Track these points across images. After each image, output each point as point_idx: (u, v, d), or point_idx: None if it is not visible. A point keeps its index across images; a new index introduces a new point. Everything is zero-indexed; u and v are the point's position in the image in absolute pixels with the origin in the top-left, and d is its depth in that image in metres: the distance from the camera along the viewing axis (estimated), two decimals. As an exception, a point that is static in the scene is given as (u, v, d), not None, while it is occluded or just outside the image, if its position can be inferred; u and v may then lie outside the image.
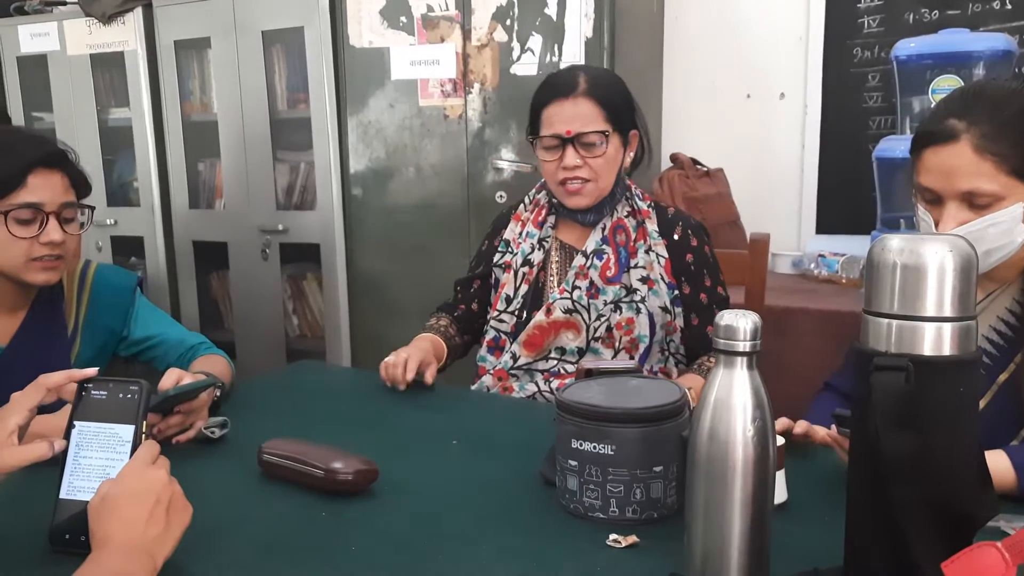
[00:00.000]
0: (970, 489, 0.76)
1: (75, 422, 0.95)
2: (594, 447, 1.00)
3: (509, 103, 2.59)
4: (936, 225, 1.16)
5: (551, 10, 2.49)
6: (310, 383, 1.70)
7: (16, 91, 3.44)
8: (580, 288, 1.61)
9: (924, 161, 1.16)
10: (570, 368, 1.60)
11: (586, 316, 1.60)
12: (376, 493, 1.09)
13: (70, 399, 0.97)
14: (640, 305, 1.59)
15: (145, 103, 3.16)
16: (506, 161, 2.63)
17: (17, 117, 3.41)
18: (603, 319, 1.59)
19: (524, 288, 1.65)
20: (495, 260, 1.72)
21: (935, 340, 0.75)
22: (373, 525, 1.01)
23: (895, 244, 0.76)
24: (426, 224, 2.77)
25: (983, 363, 1.16)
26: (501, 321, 1.66)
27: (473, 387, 1.69)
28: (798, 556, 0.88)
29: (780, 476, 1.03)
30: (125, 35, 3.14)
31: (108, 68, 3.28)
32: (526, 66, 2.55)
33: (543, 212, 1.69)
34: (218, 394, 1.39)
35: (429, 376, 1.55)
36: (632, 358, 1.57)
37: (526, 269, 1.66)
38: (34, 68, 3.37)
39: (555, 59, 2.51)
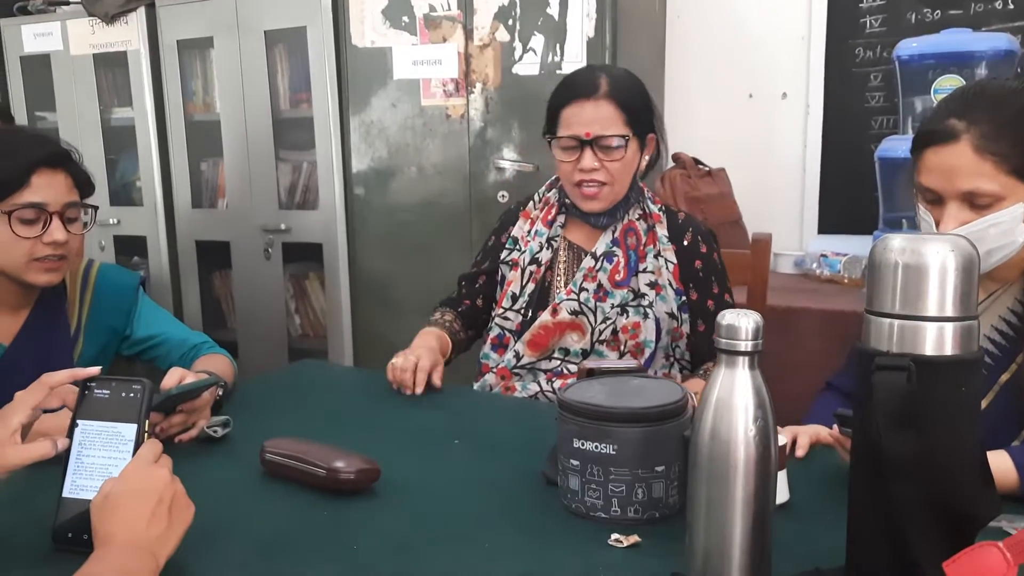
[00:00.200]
0: (972, 489, 0.76)
1: (78, 421, 0.96)
2: (596, 447, 1.00)
3: (511, 103, 2.59)
4: (937, 225, 1.16)
5: (553, 10, 2.49)
6: (312, 382, 1.70)
7: (19, 91, 3.44)
8: (587, 290, 1.60)
9: (925, 161, 1.16)
10: (573, 369, 1.60)
11: (592, 318, 1.59)
12: (378, 492, 1.09)
13: (71, 407, 0.97)
14: (647, 310, 1.58)
15: (148, 103, 3.16)
16: (508, 161, 2.63)
17: (20, 117, 3.41)
18: (609, 322, 1.59)
19: (531, 287, 1.64)
20: (502, 257, 1.71)
21: (937, 340, 0.75)
22: (375, 524, 1.01)
23: (897, 244, 0.76)
24: (428, 224, 2.77)
25: (985, 363, 1.15)
26: (506, 319, 1.65)
27: (475, 385, 1.69)
28: (800, 556, 0.88)
29: (782, 476, 1.03)
30: (128, 35, 3.15)
31: (111, 68, 3.28)
32: (528, 66, 2.55)
33: (553, 211, 1.67)
34: (220, 393, 1.39)
35: (437, 378, 1.53)
36: (643, 367, 1.56)
37: (533, 267, 1.65)
38: (37, 68, 3.37)
39: (557, 59, 2.51)
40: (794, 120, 2.91)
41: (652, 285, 1.60)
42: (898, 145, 2.34)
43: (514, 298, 1.65)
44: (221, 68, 3.04)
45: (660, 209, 1.67)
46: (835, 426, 1.12)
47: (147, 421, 0.95)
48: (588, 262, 1.62)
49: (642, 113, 1.58)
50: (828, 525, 0.89)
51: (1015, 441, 1.14)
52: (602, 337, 1.59)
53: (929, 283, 0.74)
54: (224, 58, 3.01)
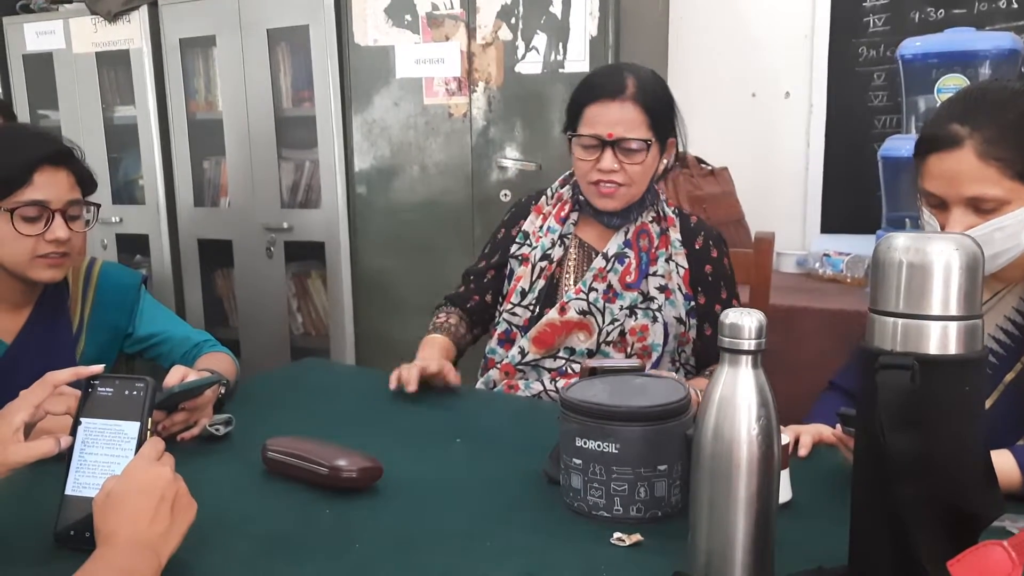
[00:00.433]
0: (975, 488, 0.76)
1: (81, 419, 0.96)
2: (598, 445, 1.00)
3: (513, 102, 2.59)
4: (942, 230, 1.16)
5: (556, 9, 2.49)
6: (314, 381, 1.70)
7: (22, 89, 3.45)
8: (597, 290, 1.59)
9: (928, 167, 1.16)
10: (578, 368, 1.60)
11: (600, 319, 1.59)
12: (380, 491, 1.09)
13: (73, 413, 0.97)
14: (657, 314, 1.58)
15: (150, 101, 3.17)
16: (510, 160, 2.63)
17: (23, 115, 3.41)
18: (617, 324, 1.58)
19: (540, 283, 1.63)
20: (512, 251, 1.69)
21: (941, 339, 0.74)
22: (377, 522, 1.01)
23: (901, 242, 0.76)
24: (430, 222, 2.77)
25: (989, 363, 1.15)
26: (514, 314, 1.64)
27: (479, 380, 1.68)
28: (802, 555, 0.88)
29: (784, 475, 1.03)
30: (131, 33, 3.15)
31: (114, 66, 3.29)
32: (531, 65, 2.55)
33: (567, 208, 1.66)
34: (222, 391, 1.39)
35: (453, 378, 1.52)
36: (645, 365, 1.55)
37: (544, 264, 1.63)
38: (40, 66, 3.37)
39: (559, 58, 2.51)
40: (797, 119, 2.90)
41: (662, 289, 1.59)
42: (901, 144, 2.33)
43: (523, 294, 1.64)
44: (223, 66, 3.04)
45: (674, 212, 1.66)
46: (838, 425, 1.12)
47: (150, 419, 0.95)
48: (599, 262, 1.61)
49: (665, 117, 1.56)
50: (831, 524, 0.89)
51: (1019, 441, 1.13)
52: (609, 338, 1.59)
53: (933, 282, 0.74)
54: (226, 56, 3.01)
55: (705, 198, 2.66)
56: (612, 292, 1.59)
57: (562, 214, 1.66)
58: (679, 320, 1.60)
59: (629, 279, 1.59)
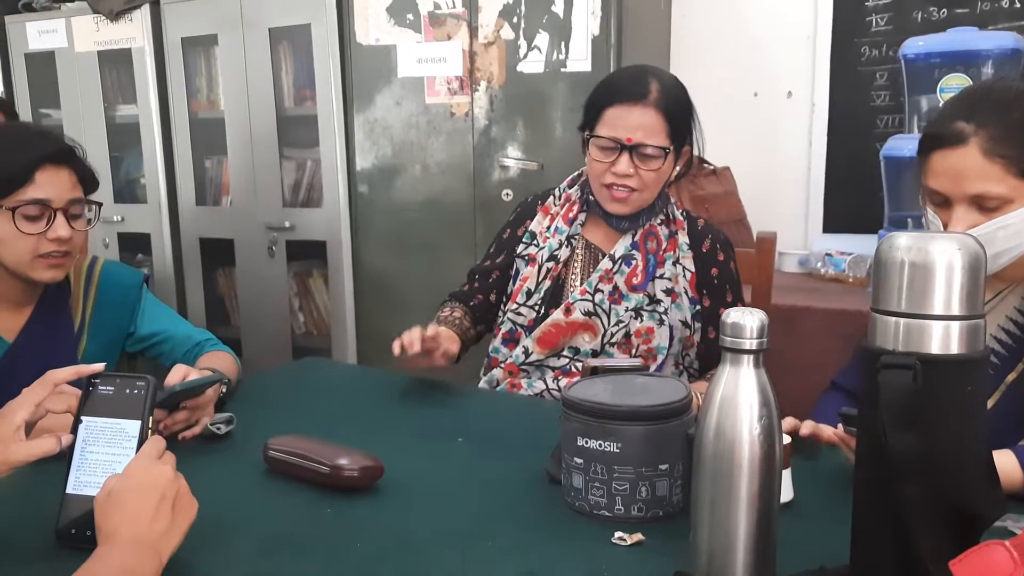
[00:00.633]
0: (977, 488, 0.75)
1: (82, 417, 0.96)
2: (600, 445, 1.00)
3: (516, 101, 2.59)
4: (945, 228, 1.15)
5: (558, 8, 2.48)
6: (316, 380, 1.70)
7: (24, 88, 3.45)
8: (603, 292, 1.58)
9: (932, 164, 1.16)
10: (581, 367, 1.59)
11: (605, 320, 1.58)
12: (381, 490, 1.09)
13: (74, 411, 0.97)
14: (663, 316, 1.57)
15: (152, 100, 3.17)
16: (512, 159, 2.62)
17: (25, 114, 3.42)
18: (622, 325, 1.58)
19: (547, 284, 1.62)
20: (518, 251, 1.68)
21: (943, 338, 0.74)
22: (378, 522, 1.01)
23: (903, 242, 0.75)
24: (432, 222, 2.77)
25: (991, 363, 1.15)
26: (519, 314, 1.64)
27: (482, 378, 1.68)
28: (804, 555, 0.88)
29: (786, 475, 1.03)
30: (132, 32, 3.15)
31: (115, 65, 3.29)
32: (533, 64, 2.54)
33: (575, 208, 1.65)
34: (224, 390, 1.39)
35: (443, 354, 1.49)
36: (648, 365, 1.54)
37: (551, 264, 1.63)
38: (42, 65, 3.38)
39: (562, 57, 2.50)
40: (799, 119, 2.90)
41: (668, 292, 1.59)
42: (904, 144, 2.33)
43: (529, 294, 1.63)
44: (225, 65, 3.04)
45: (682, 214, 1.66)
46: (840, 425, 1.12)
47: (151, 418, 0.96)
48: (606, 263, 1.60)
49: (684, 124, 1.55)
50: (832, 524, 0.89)
51: (1021, 441, 1.13)
52: (614, 339, 1.58)
53: (935, 282, 0.74)
54: (228, 55, 3.01)
55: (707, 198, 2.65)
56: (618, 294, 1.58)
57: (570, 215, 1.65)
58: (684, 324, 1.59)
59: (636, 281, 1.58)
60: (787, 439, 1.03)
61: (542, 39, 2.52)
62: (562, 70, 2.51)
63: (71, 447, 0.95)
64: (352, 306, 2.97)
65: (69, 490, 0.94)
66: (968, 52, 2.26)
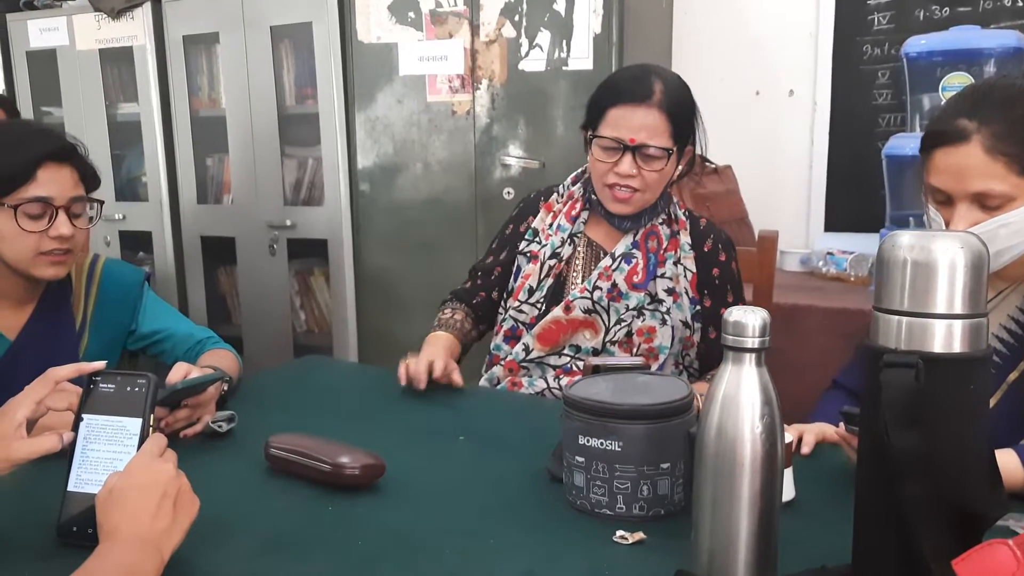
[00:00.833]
0: (979, 487, 0.75)
1: (83, 415, 0.96)
2: (601, 443, 1.00)
3: (517, 99, 2.58)
4: (947, 226, 1.15)
5: (559, 6, 2.48)
6: (317, 378, 1.70)
7: (25, 86, 3.45)
8: (601, 289, 1.58)
9: (934, 162, 1.15)
10: (582, 366, 1.59)
11: (605, 318, 1.58)
12: (382, 488, 1.09)
13: (75, 409, 0.97)
14: (666, 316, 1.57)
15: (154, 98, 3.17)
16: (514, 157, 2.62)
17: (26, 112, 3.42)
18: (624, 324, 1.57)
19: (549, 281, 1.62)
20: (520, 247, 1.68)
21: (945, 337, 0.74)
22: (379, 520, 1.01)
23: (906, 240, 0.75)
24: (433, 220, 2.77)
25: (993, 362, 1.15)
26: (521, 311, 1.63)
27: (483, 376, 1.68)
28: (806, 554, 0.88)
29: (788, 473, 1.03)
30: (134, 30, 3.15)
31: (117, 63, 3.29)
32: (534, 62, 2.54)
33: (578, 206, 1.65)
34: (225, 388, 1.39)
35: (457, 377, 1.52)
36: (649, 366, 1.54)
37: (553, 262, 1.63)
38: (43, 63, 3.38)
39: (563, 55, 2.50)
40: (801, 117, 2.90)
41: (670, 292, 1.59)
42: (906, 143, 2.33)
43: (531, 291, 1.63)
44: (227, 64, 3.04)
45: (685, 214, 1.65)
46: (841, 424, 1.12)
47: (152, 415, 0.95)
48: (606, 261, 1.60)
49: (687, 125, 1.55)
50: (834, 523, 0.89)
51: (1023, 440, 1.13)
52: (615, 338, 1.58)
53: (938, 280, 0.74)
54: (230, 54, 3.01)
55: (709, 196, 2.65)
56: (617, 291, 1.58)
57: (573, 212, 1.65)
58: (684, 323, 1.59)
59: (636, 279, 1.58)
60: (789, 438, 1.03)
61: (544, 37, 2.52)
62: (564, 68, 2.51)
63: (72, 445, 0.95)
64: (353, 304, 2.97)
65: (70, 488, 0.94)
66: (970, 51, 2.26)
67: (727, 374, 0.81)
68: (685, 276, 1.61)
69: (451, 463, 1.20)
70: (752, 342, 0.79)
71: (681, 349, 1.61)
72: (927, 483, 0.72)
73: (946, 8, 2.64)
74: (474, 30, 2.60)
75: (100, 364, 0.99)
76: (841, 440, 1.14)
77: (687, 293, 1.60)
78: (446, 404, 1.47)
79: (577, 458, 1.02)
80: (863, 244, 2.63)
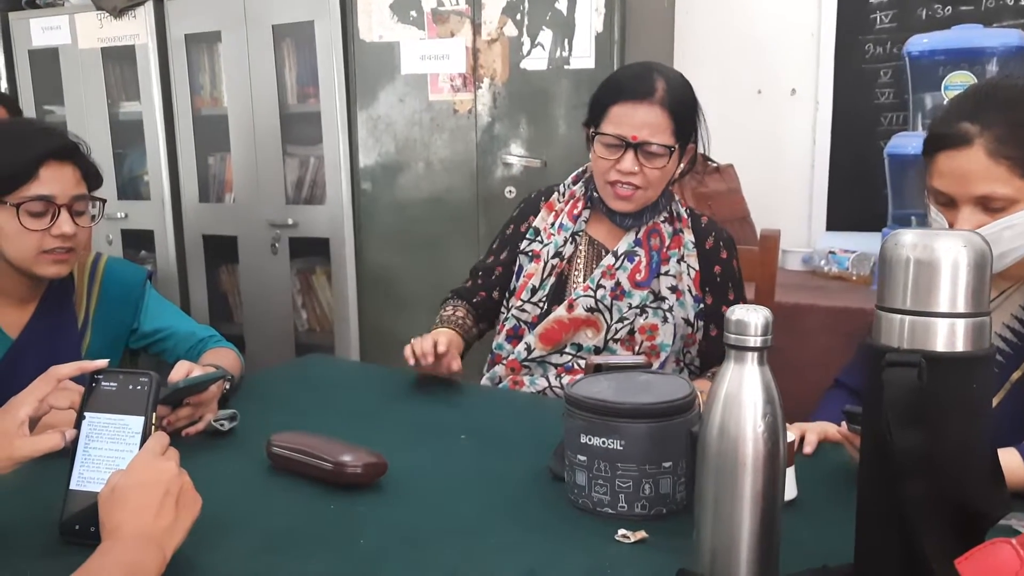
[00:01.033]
0: (982, 487, 0.75)
1: (85, 413, 0.96)
2: (603, 442, 1.00)
3: (519, 98, 2.58)
4: (950, 227, 1.15)
5: (561, 5, 2.48)
6: (319, 376, 1.70)
7: (27, 84, 3.45)
8: (605, 288, 1.58)
9: (937, 165, 1.15)
10: (584, 364, 1.59)
11: (608, 316, 1.58)
12: (384, 486, 1.09)
13: (77, 408, 0.97)
14: (668, 314, 1.57)
15: (156, 97, 3.17)
16: (515, 156, 2.62)
17: (28, 110, 3.42)
18: (626, 322, 1.57)
19: (551, 281, 1.62)
20: (522, 247, 1.68)
21: (948, 336, 0.74)
22: (381, 518, 1.01)
23: (908, 239, 0.75)
24: (435, 219, 2.77)
25: (996, 361, 1.14)
26: (523, 311, 1.63)
27: (484, 375, 1.68)
28: (807, 553, 0.87)
29: (790, 472, 1.02)
30: (136, 29, 3.15)
31: (119, 62, 3.29)
32: (536, 61, 2.54)
33: (579, 205, 1.65)
34: (227, 387, 1.39)
35: (457, 365, 1.51)
36: (651, 364, 1.54)
37: (555, 261, 1.63)
38: (45, 61, 3.38)
39: (565, 54, 2.50)
40: (803, 116, 2.89)
41: (673, 289, 1.59)
42: (908, 142, 2.33)
43: (533, 291, 1.63)
44: (229, 62, 3.04)
45: (687, 212, 1.65)
46: (843, 423, 1.12)
47: (154, 414, 0.95)
48: (608, 260, 1.60)
49: (689, 122, 1.55)
50: (836, 522, 0.89)
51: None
52: (617, 336, 1.58)
53: (941, 279, 0.74)
54: (232, 52, 3.02)
55: (710, 195, 2.65)
56: (620, 290, 1.58)
57: (575, 211, 1.65)
58: (687, 321, 1.59)
59: (639, 277, 1.58)
60: (791, 437, 1.03)
61: (545, 36, 2.51)
62: (565, 67, 2.51)
63: (74, 443, 0.95)
64: (355, 303, 2.97)
65: (73, 486, 0.94)
66: (973, 49, 2.25)
67: (729, 373, 0.81)
68: (688, 274, 1.60)
69: (453, 462, 1.20)
70: (755, 341, 0.79)
71: (682, 347, 1.61)
72: (929, 482, 0.72)
73: (948, 7, 2.64)
74: (476, 29, 2.60)
75: (102, 362, 0.99)
76: (843, 439, 1.14)
77: (690, 291, 1.60)
78: (448, 403, 1.47)
79: (579, 457, 1.02)
80: (865, 243, 2.63)
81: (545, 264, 1.63)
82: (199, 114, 3.17)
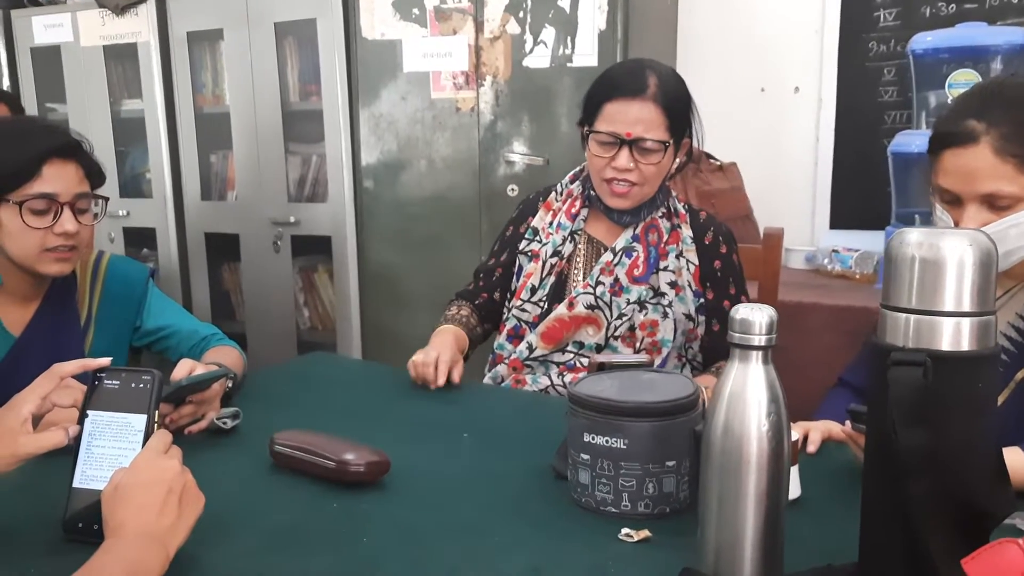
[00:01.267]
0: (987, 486, 0.75)
1: (88, 411, 0.96)
2: (606, 441, 0.99)
3: (521, 96, 2.58)
4: (956, 226, 1.15)
5: (564, 2, 2.48)
6: (321, 375, 1.70)
7: (30, 82, 3.45)
8: (604, 284, 1.59)
9: (943, 163, 1.15)
10: (586, 362, 1.59)
11: (608, 313, 1.58)
12: (387, 485, 1.09)
13: (80, 406, 0.97)
14: (668, 309, 1.57)
15: (158, 95, 3.17)
16: (518, 154, 2.62)
17: (31, 108, 3.42)
18: (625, 318, 1.58)
19: (551, 280, 1.63)
20: (521, 247, 1.69)
21: (954, 335, 0.74)
22: (384, 516, 1.01)
23: (914, 238, 0.75)
24: (437, 217, 2.76)
25: (1000, 360, 1.14)
26: (523, 310, 1.64)
27: (486, 375, 1.68)
28: (811, 552, 0.87)
29: (794, 471, 1.02)
30: (138, 26, 3.15)
31: (121, 59, 3.29)
32: (538, 59, 2.54)
33: (577, 204, 1.65)
34: (230, 385, 1.39)
35: (457, 375, 1.53)
36: (653, 361, 1.55)
37: (554, 260, 1.63)
38: (48, 59, 3.38)
39: (568, 52, 2.50)
40: (806, 115, 2.89)
41: (672, 285, 1.59)
42: (911, 140, 2.32)
43: (533, 290, 1.63)
44: (231, 60, 3.04)
45: (685, 208, 1.66)
46: (847, 422, 1.12)
47: (156, 412, 0.95)
48: (607, 256, 1.60)
49: (683, 117, 1.55)
50: (840, 521, 0.89)
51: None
52: (618, 332, 1.58)
53: (946, 278, 0.73)
54: (234, 50, 3.01)
55: (714, 193, 2.65)
56: (618, 286, 1.58)
57: (572, 210, 1.65)
58: (688, 316, 1.59)
59: (637, 272, 1.58)
60: (795, 436, 1.02)
61: (548, 34, 2.51)
62: (568, 65, 2.50)
63: (77, 441, 0.94)
64: (357, 301, 2.97)
65: (76, 484, 0.94)
66: (977, 47, 2.25)
67: (734, 371, 0.80)
68: (688, 269, 1.61)
69: (456, 460, 1.20)
70: (759, 339, 0.79)
71: (684, 342, 1.62)
72: (934, 481, 0.72)
73: (952, 5, 2.63)
74: (478, 26, 2.59)
75: (105, 361, 0.99)
76: (847, 438, 1.13)
77: (690, 286, 1.60)
78: (451, 401, 1.47)
79: (582, 455, 1.02)
80: (868, 241, 2.63)
81: (544, 264, 1.63)
82: (201, 112, 3.17)
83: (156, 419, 0.95)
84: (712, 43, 2.97)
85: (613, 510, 1.00)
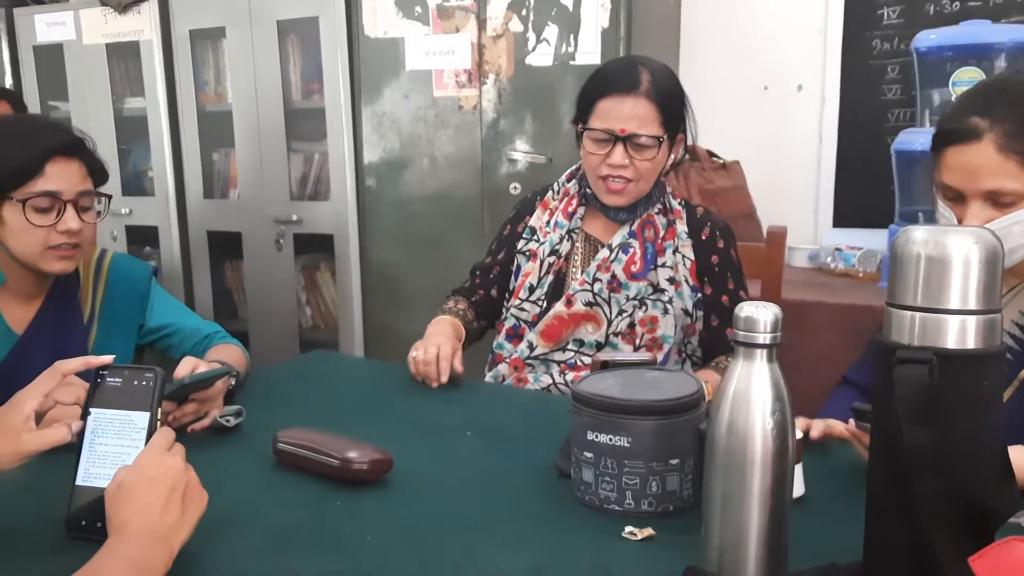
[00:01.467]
0: (992, 484, 0.75)
1: (90, 409, 0.95)
2: (610, 439, 0.99)
3: (524, 94, 2.58)
4: (959, 223, 1.15)
5: (567, 0, 2.47)
6: (324, 373, 1.70)
7: (32, 80, 3.45)
8: (601, 281, 1.59)
9: (946, 160, 1.15)
10: (587, 360, 1.59)
11: (607, 310, 1.58)
12: (390, 483, 1.09)
13: (82, 403, 0.97)
14: (668, 306, 1.57)
15: (160, 93, 3.17)
16: (520, 152, 2.62)
17: (33, 106, 3.42)
18: (625, 315, 1.58)
19: (549, 278, 1.63)
20: (519, 247, 1.69)
21: (959, 333, 0.73)
22: (387, 515, 1.01)
23: (919, 236, 0.75)
24: (440, 215, 2.76)
25: (1005, 358, 1.14)
26: (522, 310, 1.64)
27: (488, 375, 1.68)
28: (815, 550, 0.87)
29: (798, 470, 1.02)
30: (141, 24, 3.15)
31: (124, 58, 3.29)
32: (541, 57, 2.53)
33: (574, 202, 1.66)
34: (233, 383, 1.39)
35: (459, 363, 1.52)
36: (656, 359, 1.55)
37: (552, 259, 1.63)
38: (50, 57, 3.38)
39: (571, 50, 2.49)
40: (810, 113, 2.88)
41: (671, 281, 1.59)
42: (915, 138, 2.32)
43: (531, 289, 1.64)
44: (233, 58, 3.04)
45: (680, 204, 1.66)
46: (852, 420, 1.11)
47: (159, 409, 0.95)
48: (603, 253, 1.61)
49: (677, 113, 1.55)
50: (844, 519, 0.88)
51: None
52: (618, 329, 1.58)
53: (952, 276, 0.73)
54: (236, 48, 3.01)
55: (716, 191, 2.65)
56: (616, 282, 1.58)
57: (569, 209, 1.65)
58: (685, 312, 1.59)
59: (634, 268, 1.59)
60: (799, 434, 1.02)
61: (551, 32, 2.51)
62: (571, 63, 2.50)
63: (80, 439, 0.94)
64: (359, 299, 2.97)
65: (79, 482, 0.94)
66: (981, 45, 2.24)
67: (738, 369, 0.80)
68: (684, 264, 1.61)
69: (459, 458, 1.20)
70: (764, 338, 0.79)
71: (683, 337, 1.61)
72: (939, 479, 0.71)
73: (956, 2, 2.63)
74: (481, 24, 2.59)
75: (108, 358, 0.98)
76: (851, 437, 1.13)
77: (687, 281, 1.60)
78: (454, 399, 1.47)
79: (586, 454, 1.02)
80: (872, 240, 2.62)
81: (542, 262, 1.64)
82: (203, 110, 3.17)
83: (159, 417, 0.95)
84: (715, 41, 2.96)
85: (617, 508, 1.00)
